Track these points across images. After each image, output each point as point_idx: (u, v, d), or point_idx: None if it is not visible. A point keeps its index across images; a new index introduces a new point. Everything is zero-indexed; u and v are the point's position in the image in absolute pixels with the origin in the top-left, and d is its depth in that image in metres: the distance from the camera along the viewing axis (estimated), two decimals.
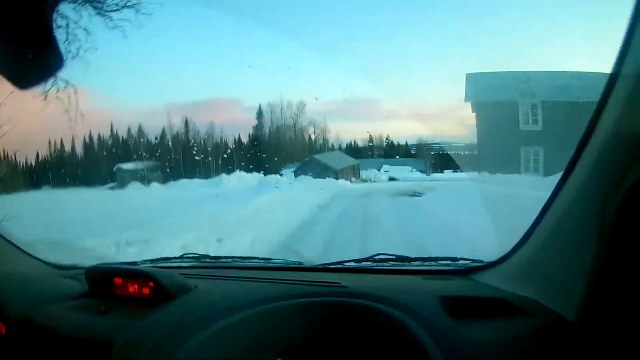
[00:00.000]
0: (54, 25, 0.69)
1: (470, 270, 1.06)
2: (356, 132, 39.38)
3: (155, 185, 19.31)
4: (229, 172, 20.03)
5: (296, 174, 20.47)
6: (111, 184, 21.76)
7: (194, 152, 23.84)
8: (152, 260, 1.38)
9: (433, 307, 0.84)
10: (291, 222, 6.90)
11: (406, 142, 29.96)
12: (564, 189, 0.72)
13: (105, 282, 1.03)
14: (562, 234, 0.73)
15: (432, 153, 26.35)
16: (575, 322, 0.66)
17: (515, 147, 11.11)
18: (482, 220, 4.66)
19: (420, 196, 10.18)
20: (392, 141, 30.30)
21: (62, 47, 0.71)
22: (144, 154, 23.52)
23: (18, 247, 1.20)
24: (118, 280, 1.01)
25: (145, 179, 20.62)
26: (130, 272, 1.03)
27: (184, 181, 19.52)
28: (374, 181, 23.58)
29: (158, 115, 25.09)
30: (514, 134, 11.15)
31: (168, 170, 22.81)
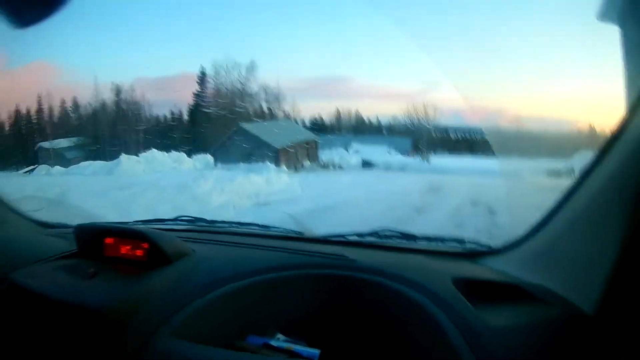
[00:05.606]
0: None
1: (478, 254, 1.05)
2: (321, 109, 33.42)
3: (57, 169, 16.77)
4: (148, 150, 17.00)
5: (215, 156, 16.56)
6: (32, 167, 19.74)
7: (124, 129, 20.83)
8: (144, 221, 1.29)
9: (449, 288, 0.81)
10: None
11: (377, 119, 24.96)
12: (589, 179, 0.71)
13: (95, 241, 0.97)
14: (584, 225, 0.72)
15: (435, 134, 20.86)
16: (592, 315, 0.66)
17: None
18: None
19: None
20: (362, 117, 25.14)
21: None
22: (70, 131, 21.07)
23: (4, 203, 1.15)
24: (109, 240, 0.95)
25: (52, 160, 18.27)
26: (124, 232, 0.97)
27: (85, 164, 16.73)
28: (340, 167, 17.71)
29: (108, 89, 21.91)
30: None
31: (91, 148, 20.17)
